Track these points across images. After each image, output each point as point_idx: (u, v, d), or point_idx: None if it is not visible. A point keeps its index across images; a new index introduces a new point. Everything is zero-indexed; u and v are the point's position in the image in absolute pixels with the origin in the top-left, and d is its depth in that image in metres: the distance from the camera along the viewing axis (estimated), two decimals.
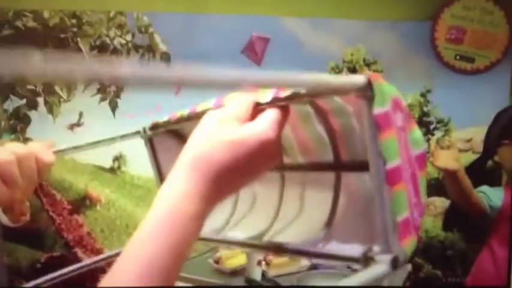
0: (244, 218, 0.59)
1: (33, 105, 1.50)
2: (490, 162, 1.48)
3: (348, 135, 0.47)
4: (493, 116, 1.47)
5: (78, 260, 1.48)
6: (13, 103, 1.50)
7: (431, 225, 1.56)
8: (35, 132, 1.50)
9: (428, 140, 1.53)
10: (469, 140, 1.55)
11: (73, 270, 0.56)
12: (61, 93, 1.49)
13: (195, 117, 0.51)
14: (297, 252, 0.47)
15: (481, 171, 1.45)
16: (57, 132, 1.49)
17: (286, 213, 0.55)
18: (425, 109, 1.53)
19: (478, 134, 1.54)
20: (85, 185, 1.49)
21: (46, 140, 0.53)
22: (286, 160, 0.53)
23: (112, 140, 0.55)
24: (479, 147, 1.51)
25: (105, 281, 0.31)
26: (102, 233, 1.50)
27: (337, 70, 1.50)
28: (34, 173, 0.47)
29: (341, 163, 0.49)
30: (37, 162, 0.48)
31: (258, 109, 0.40)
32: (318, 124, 0.48)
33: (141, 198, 1.48)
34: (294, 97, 0.39)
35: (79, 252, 1.50)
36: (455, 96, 1.54)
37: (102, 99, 1.49)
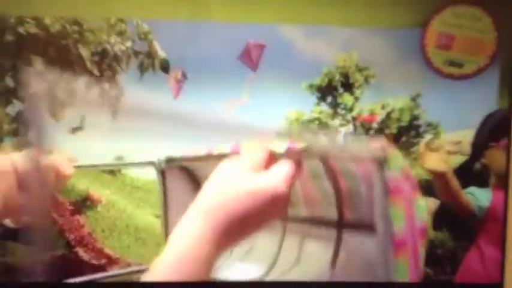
0: (240, 262, 0.60)
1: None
2: (477, 165, 1.53)
3: (353, 197, 0.49)
4: (481, 120, 1.52)
5: (79, 259, 1.53)
6: (15, 107, 1.54)
7: None
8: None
9: (418, 143, 1.58)
10: (458, 143, 1.60)
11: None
12: (63, 97, 1.53)
13: (209, 159, 0.54)
14: None
15: (469, 173, 1.50)
16: (59, 136, 1.53)
17: (285, 262, 0.57)
18: (415, 112, 1.58)
19: (466, 136, 1.59)
20: (86, 187, 1.53)
21: (67, 154, 0.57)
22: (290, 211, 0.55)
23: (126, 165, 0.58)
24: (468, 149, 1.56)
25: None
26: (102, 233, 1.54)
27: (330, 76, 1.55)
28: (52, 183, 0.50)
29: (344, 222, 0.51)
30: (57, 174, 0.51)
31: (272, 157, 0.42)
32: (327, 181, 0.50)
33: (141, 199, 1.52)
34: (307, 152, 0.42)
35: (80, 251, 1.54)
36: (444, 100, 1.59)
37: (103, 103, 1.53)
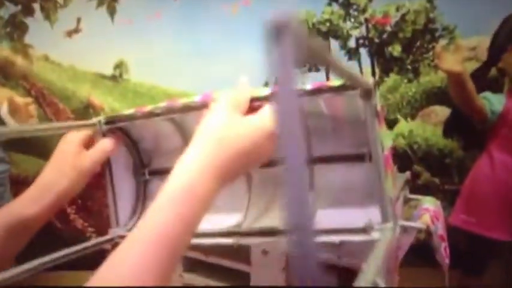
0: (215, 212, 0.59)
1: (29, 12, 1.45)
2: (492, 71, 1.48)
3: (320, 133, 0.52)
4: (497, 26, 1.44)
5: None
6: (8, 10, 1.45)
7: (432, 133, 1.59)
8: (33, 40, 1.46)
9: (433, 48, 1.51)
10: (473, 48, 1.54)
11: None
12: None
13: (184, 110, 0.50)
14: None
15: (485, 77, 1.45)
16: (55, 39, 1.46)
17: (258, 202, 0.58)
18: (431, 15, 1.49)
19: (482, 42, 1.52)
20: (87, 93, 1.48)
21: None
22: None
23: (68, 127, 0.51)
24: (483, 56, 1.50)
25: (123, 247, 0.33)
26: None
27: None
28: None
29: (313, 157, 0.55)
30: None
31: (254, 103, 0.43)
32: None
33: (145, 105, 1.48)
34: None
35: None
36: (462, 3, 1.51)
37: (100, 4, 1.44)
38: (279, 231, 0.51)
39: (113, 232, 0.58)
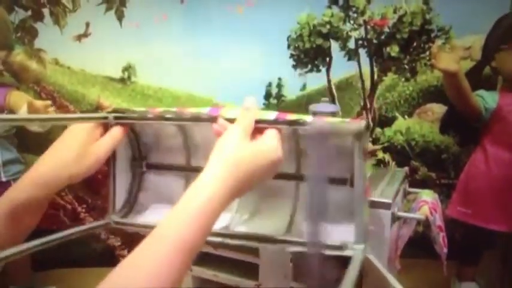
0: None
1: (39, 17, 1.49)
2: (486, 70, 1.54)
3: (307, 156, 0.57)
4: (491, 26, 1.50)
5: None
6: (18, 15, 1.49)
7: (429, 130, 1.65)
8: (43, 44, 1.51)
9: (429, 48, 1.57)
10: (468, 48, 1.60)
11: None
12: (66, 3, 1.48)
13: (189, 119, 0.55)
14: (279, 241, 0.55)
15: (479, 76, 1.51)
16: (65, 43, 1.50)
17: (245, 206, 0.63)
18: (427, 17, 1.55)
19: (476, 42, 1.58)
20: (97, 96, 1.53)
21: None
22: None
23: (79, 118, 0.54)
24: (478, 55, 1.56)
25: (137, 256, 0.35)
26: None
27: None
28: None
29: (300, 175, 0.61)
30: None
31: (257, 126, 0.48)
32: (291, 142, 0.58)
33: (152, 107, 1.53)
34: (296, 123, 0.49)
35: None
36: (457, 4, 1.57)
37: (108, 9, 1.49)
38: (265, 237, 0.56)
39: (109, 218, 0.62)
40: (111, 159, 0.61)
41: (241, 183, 0.43)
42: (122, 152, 0.64)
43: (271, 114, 0.51)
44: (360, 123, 0.48)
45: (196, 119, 0.54)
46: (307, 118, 0.49)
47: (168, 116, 0.56)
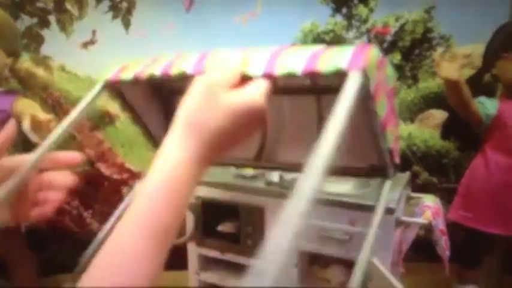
0: None
1: (45, 24, 1.50)
2: (486, 77, 1.57)
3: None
4: (491, 34, 1.53)
5: (102, 175, 1.57)
6: (24, 22, 1.50)
7: (430, 135, 1.68)
8: (49, 51, 1.52)
9: (430, 56, 1.60)
10: (468, 56, 1.63)
11: None
12: (72, 10, 1.49)
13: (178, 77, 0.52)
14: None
15: (479, 83, 1.54)
16: (72, 50, 1.51)
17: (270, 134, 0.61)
18: (429, 25, 1.58)
19: (477, 50, 1.62)
20: (104, 103, 1.54)
21: None
22: None
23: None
24: (478, 63, 1.59)
25: (111, 243, 0.34)
26: (122, 148, 1.57)
27: None
28: None
29: (318, 86, 0.58)
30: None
31: (244, 79, 0.42)
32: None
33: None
34: (290, 78, 0.45)
35: (102, 167, 1.57)
36: (458, 13, 1.60)
37: (115, 17, 1.50)
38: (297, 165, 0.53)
39: None
40: None
41: (210, 144, 0.38)
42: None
43: (260, 67, 0.45)
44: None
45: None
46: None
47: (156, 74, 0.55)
